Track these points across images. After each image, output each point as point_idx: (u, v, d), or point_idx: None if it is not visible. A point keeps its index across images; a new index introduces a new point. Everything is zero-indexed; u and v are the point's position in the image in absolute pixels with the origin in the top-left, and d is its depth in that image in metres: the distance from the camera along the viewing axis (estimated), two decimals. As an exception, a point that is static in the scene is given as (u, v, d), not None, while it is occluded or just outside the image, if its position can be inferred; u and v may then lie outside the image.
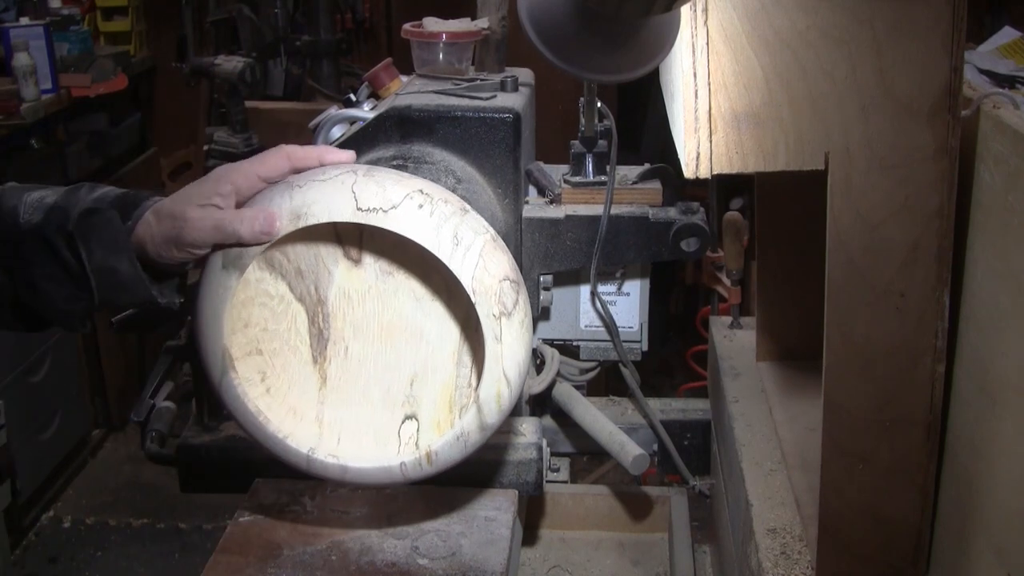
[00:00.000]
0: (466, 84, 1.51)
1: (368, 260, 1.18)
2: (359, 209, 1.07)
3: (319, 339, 1.20)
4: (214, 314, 1.11)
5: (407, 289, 1.19)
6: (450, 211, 1.10)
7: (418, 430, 1.20)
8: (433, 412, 1.20)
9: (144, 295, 1.10)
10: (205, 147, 3.55)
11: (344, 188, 1.08)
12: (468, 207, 1.14)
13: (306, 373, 1.20)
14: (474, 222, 1.12)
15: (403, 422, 1.20)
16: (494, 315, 1.09)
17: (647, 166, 1.56)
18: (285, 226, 1.08)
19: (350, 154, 1.16)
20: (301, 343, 1.20)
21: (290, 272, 1.18)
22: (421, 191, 1.09)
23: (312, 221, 1.08)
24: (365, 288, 1.19)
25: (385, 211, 1.07)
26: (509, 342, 1.10)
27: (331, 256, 1.18)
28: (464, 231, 1.09)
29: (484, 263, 1.09)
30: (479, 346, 1.12)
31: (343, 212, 1.07)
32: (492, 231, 1.14)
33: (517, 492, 1.40)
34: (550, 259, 1.48)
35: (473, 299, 1.08)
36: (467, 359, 1.20)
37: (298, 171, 1.12)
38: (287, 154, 1.12)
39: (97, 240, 1.08)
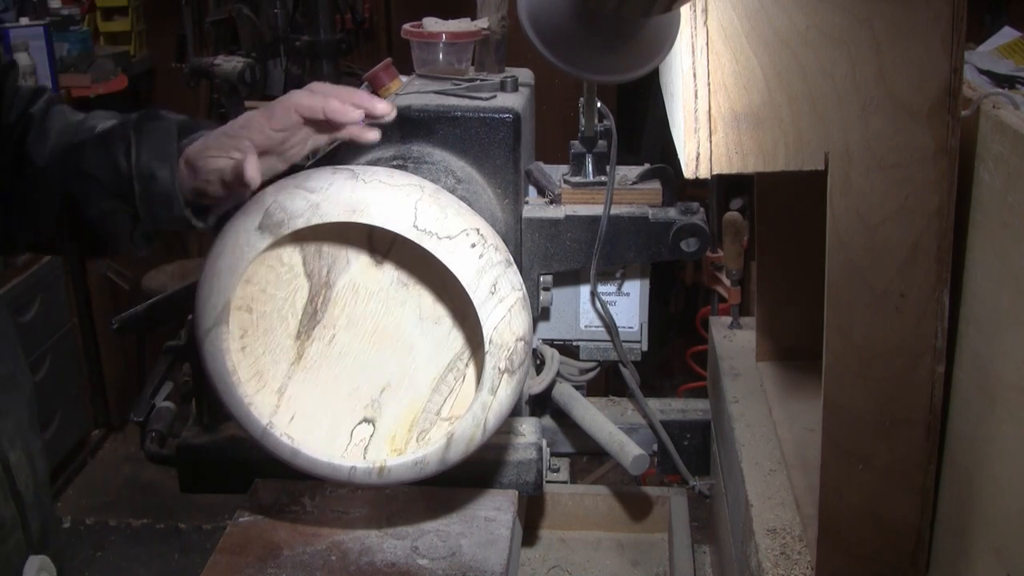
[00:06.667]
0: (466, 84, 1.51)
1: (389, 267, 1.20)
2: (416, 227, 1.08)
3: (311, 318, 1.21)
4: (230, 268, 1.10)
5: (415, 304, 1.21)
6: (497, 259, 1.11)
7: (371, 436, 1.21)
8: (392, 425, 1.21)
9: (178, 211, 1.12)
10: (205, 147, 3.54)
11: (408, 202, 1.09)
12: (511, 260, 1.15)
13: (285, 345, 1.21)
14: (513, 277, 1.13)
15: (359, 423, 1.21)
16: (499, 369, 1.11)
17: (647, 166, 1.56)
18: (339, 214, 1.09)
19: (371, 104, 1.14)
20: (292, 316, 1.21)
21: (310, 248, 1.18)
22: (477, 230, 1.11)
23: (366, 220, 1.08)
24: (376, 289, 1.20)
25: (440, 238, 1.08)
26: (502, 398, 1.12)
27: (356, 248, 1.19)
28: (503, 284, 1.10)
29: (510, 319, 1.10)
30: (466, 385, 1.15)
31: (400, 225, 1.08)
32: (524, 290, 1.15)
33: (517, 492, 1.40)
34: (550, 259, 1.48)
35: (487, 348, 1.10)
36: (446, 389, 1.21)
37: (308, 121, 1.11)
38: (294, 105, 1.11)
39: (148, 144, 1.11)
